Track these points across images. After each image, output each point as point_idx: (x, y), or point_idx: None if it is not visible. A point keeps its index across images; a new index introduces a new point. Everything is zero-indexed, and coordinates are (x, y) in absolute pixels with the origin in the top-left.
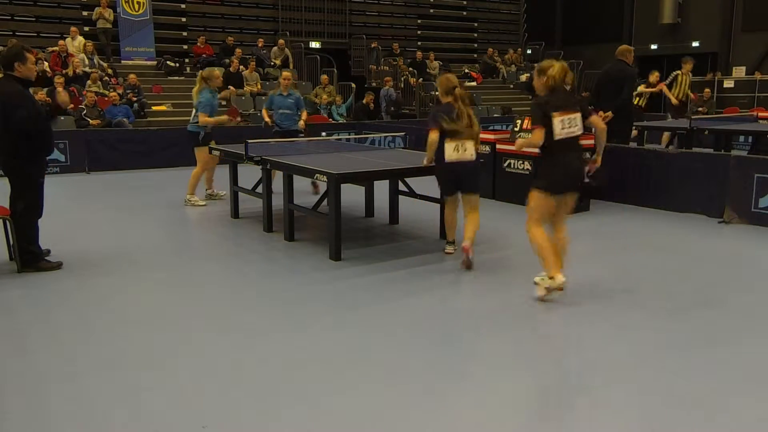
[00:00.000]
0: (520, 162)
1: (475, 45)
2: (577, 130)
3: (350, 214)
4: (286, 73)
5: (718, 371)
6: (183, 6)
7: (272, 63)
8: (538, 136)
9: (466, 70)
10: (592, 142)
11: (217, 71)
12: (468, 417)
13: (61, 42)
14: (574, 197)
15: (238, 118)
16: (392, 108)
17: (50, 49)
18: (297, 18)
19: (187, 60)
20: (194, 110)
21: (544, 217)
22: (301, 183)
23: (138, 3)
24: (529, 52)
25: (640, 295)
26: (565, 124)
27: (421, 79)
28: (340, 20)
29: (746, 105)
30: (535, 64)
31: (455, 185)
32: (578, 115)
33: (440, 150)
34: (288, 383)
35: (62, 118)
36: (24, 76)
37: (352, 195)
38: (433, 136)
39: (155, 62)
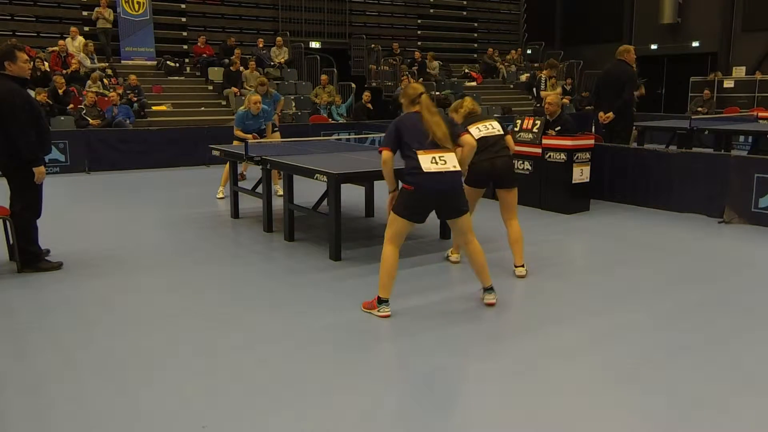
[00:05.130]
0: (521, 162)
1: (475, 45)
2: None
3: (350, 214)
4: (255, 98)
5: (718, 371)
6: (183, 6)
7: (272, 63)
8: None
9: (466, 70)
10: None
11: None
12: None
13: (61, 42)
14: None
15: None
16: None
17: (50, 49)
18: (297, 18)
19: (187, 60)
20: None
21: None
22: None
23: (138, 3)
24: (529, 52)
25: (639, 294)
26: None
27: (421, 79)
28: (340, 20)
29: (746, 105)
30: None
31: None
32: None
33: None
34: (288, 383)
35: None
36: (16, 74)
37: (352, 195)
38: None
39: (155, 62)
